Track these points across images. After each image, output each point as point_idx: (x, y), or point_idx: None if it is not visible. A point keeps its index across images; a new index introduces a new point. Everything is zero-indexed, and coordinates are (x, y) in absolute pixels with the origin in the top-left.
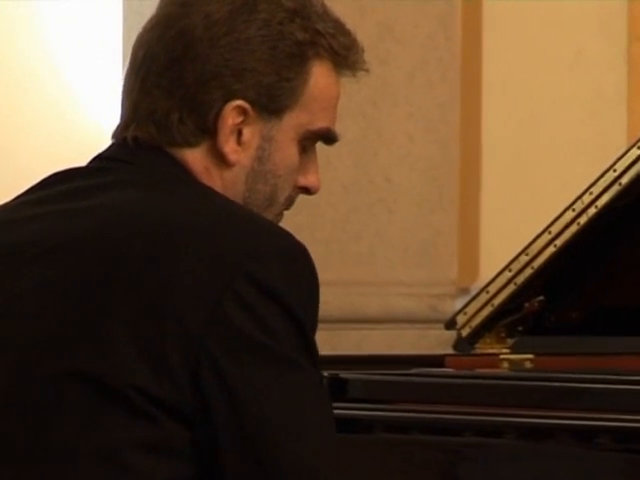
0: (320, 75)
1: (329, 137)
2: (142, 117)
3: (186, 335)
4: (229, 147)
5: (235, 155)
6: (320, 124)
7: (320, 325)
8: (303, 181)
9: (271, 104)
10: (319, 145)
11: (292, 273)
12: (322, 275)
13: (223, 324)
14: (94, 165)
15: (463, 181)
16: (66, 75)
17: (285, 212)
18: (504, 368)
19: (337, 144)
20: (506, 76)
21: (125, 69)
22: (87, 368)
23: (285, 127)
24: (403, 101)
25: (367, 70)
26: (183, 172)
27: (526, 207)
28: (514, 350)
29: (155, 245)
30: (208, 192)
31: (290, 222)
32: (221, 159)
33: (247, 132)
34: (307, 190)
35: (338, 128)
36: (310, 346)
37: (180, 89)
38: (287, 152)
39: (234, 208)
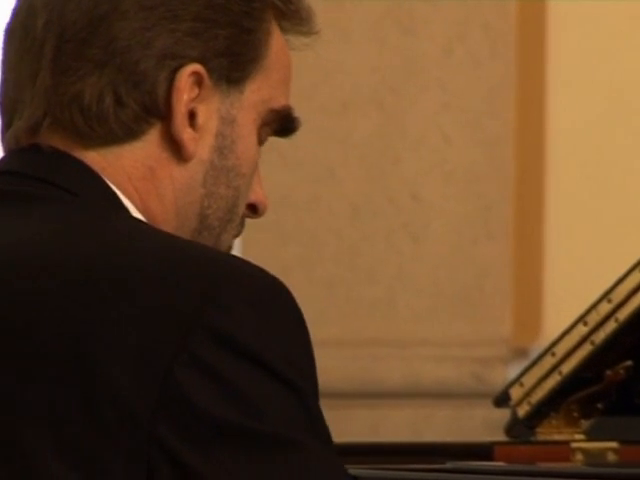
0: (277, 31)
1: (291, 121)
2: (62, 104)
3: (128, 428)
4: (188, 134)
5: (194, 144)
6: (283, 100)
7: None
8: (252, 196)
9: (233, 69)
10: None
11: (272, 320)
12: (320, 331)
13: (178, 402)
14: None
15: (520, 199)
16: None
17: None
18: (577, 461)
19: (343, 147)
20: (581, 52)
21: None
22: None
23: (246, 103)
24: (435, 86)
25: (316, 32)
26: (101, 189)
27: (607, 235)
28: (591, 436)
29: (75, 298)
30: (142, 224)
31: (276, 257)
32: (174, 152)
33: (202, 111)
34: (254, 209)
35: (343, 123)
36: (313, 415)
37: (114, 57)
38: (250, 140)
39: (183, 241)
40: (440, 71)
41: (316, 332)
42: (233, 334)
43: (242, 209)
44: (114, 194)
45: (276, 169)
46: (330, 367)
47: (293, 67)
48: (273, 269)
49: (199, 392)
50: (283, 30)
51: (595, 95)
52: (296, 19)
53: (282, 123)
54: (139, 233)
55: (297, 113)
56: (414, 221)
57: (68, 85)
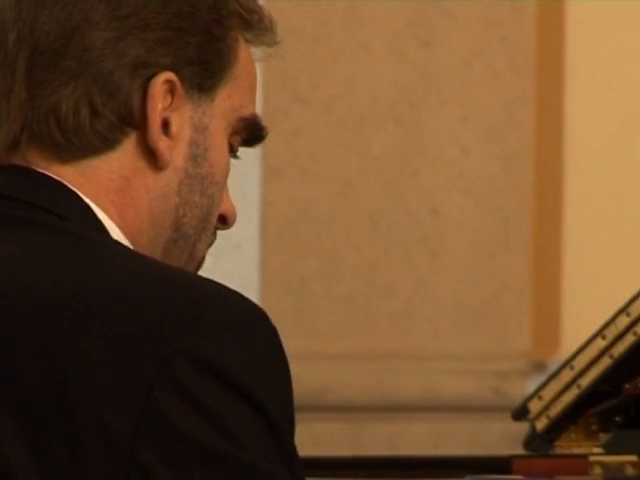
0: (242, 40)
1: (260, 129)
2: (39, 118)
3: (108, 449)
4: (163, 142)
5: (169, 152)
6: (251, 108)
7: (336, 415)
8: (221, 206)
9: (205, 77)
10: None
11: (252, 348)
12: (339, 345)
13: (158, 425)
14: None
15: (539, 213)
16: None
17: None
18: (596, 474)
19: (362, 161)
20: (600, 64)
21: None
22: None
23: (218, 111)
24: (454, 99)
25: (276, 42)
26: (80, 208)
27: (626, 248)
28: (610, 449)
29: (53, 321)
30: (126, 249)
31: (295, 271)
32: (149, 161)
33: (176, 120)
34: (224, 220)
35: (362, 137)
36: (285, 446)
37: (88, 67)
38: (222, 149)
39: (165, 267)
40: (459, 84)
41: (335, 346)
42: (215, 361)
43: (216, 218)
44: (94, 215)
45: (294, 183)
46: (349, 381)
47: (312, 81)
48: (291, 283)
49: (180, 417)
50: (246, 41)
51: (614, 107)
52: (260, 29)
53: (251, 131)
54: (123, 259)
55: (316, 127)
56: (433, 235)
57: (44, 97)
